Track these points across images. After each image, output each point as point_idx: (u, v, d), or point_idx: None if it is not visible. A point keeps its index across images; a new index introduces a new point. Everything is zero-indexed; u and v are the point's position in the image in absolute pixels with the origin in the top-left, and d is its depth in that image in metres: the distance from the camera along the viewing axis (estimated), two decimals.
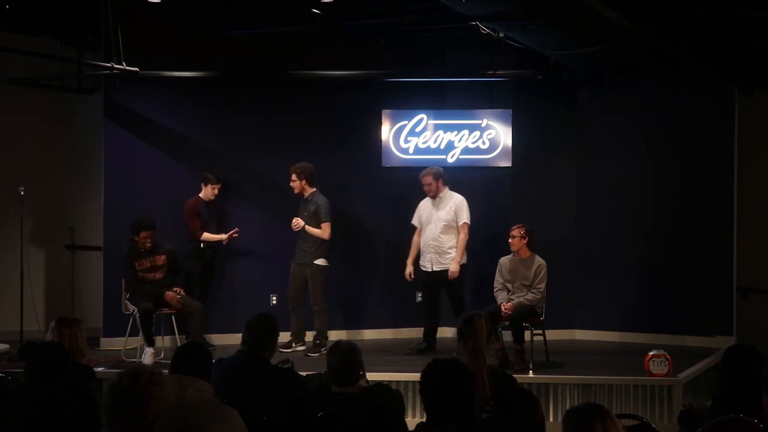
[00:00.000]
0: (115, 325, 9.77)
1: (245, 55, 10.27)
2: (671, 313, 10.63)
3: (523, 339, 8.86)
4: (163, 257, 9.43)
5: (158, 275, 9.41)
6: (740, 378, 4.89)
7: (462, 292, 9.60)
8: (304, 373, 6.33)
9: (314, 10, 9.23)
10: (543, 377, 8.55)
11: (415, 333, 10.30)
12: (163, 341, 9.52)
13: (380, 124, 10.78)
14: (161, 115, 10.41)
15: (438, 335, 9.80)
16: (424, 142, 10.79)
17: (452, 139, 10.77)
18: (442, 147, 10.78)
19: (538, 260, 9.11)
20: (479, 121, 10.77)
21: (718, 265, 10.54)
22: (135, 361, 8.80)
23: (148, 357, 8.93)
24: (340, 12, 9.42)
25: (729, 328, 10.42)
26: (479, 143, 10.77)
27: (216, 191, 9.91)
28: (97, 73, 10.04)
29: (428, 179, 9.65)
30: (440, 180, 9.68)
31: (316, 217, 9.61)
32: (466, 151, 10.76)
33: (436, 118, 10.82)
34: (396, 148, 10.79)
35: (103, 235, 10.27)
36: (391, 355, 9.62)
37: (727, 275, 10.53)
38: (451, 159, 10.68)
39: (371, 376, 5.99)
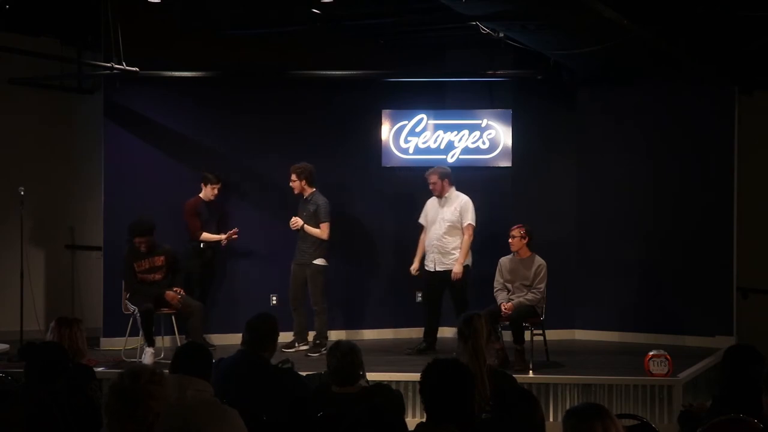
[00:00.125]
0: (115, 325, 9.77)
1: (245, 55, 10.27)
2: (671, 313, 10.63)
3: (523, 339, 8.86)
4: (162, 258, 9.43)
5: (157, 276, 9.41)
6: (740, 378, 4.89)
7: (465, 294, 9.58)
8: (304, 373, 6.33)
9: (314, 10, 9.23)
10: (543, 377, 8.55)
11: (415, 333, 10.30)
12: (163, 341, 9.52)
13: (380, 124, 10.78)
14: (161, 115, 10.41)
15: (438, 335, 9.80)
16: (424, 142, 10.79)
17: (452, 139, 10.77)
18: (442, 147, 10.78)
19: (538, 260, 9.11)
20: (479, 121, 10.77)
21: (718, 265, 10.54)
22: (135, 361, 8.80)
23: (148, 357, 8.92)
24: (340, 12, 9.41)
25: (729, 328, 10.42)
26: (479, 143, 10.77)
27: (216, 191, 9.91)
28: (97, 73, 10.04)
29: (433, 178, 9.65)
30: (446, 180, 9.67)
31: (315, 217, 9.61)
32: (466, 151, 10.77)
33: (436, 118, 10.82)
34: (396, 148, 10.79)
35: (103, 235, 10.27)
36: (391, 355, 9.62)
37: (727, 275, 10.53)
38: (451, 159, 10.67)
39: (371, 376, 5.99)
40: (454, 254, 9.54)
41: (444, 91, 11.03)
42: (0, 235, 10.52)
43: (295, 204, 9.81)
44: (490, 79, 10.70)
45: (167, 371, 4.69)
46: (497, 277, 9.23)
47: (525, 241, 9.14)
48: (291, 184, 9.65)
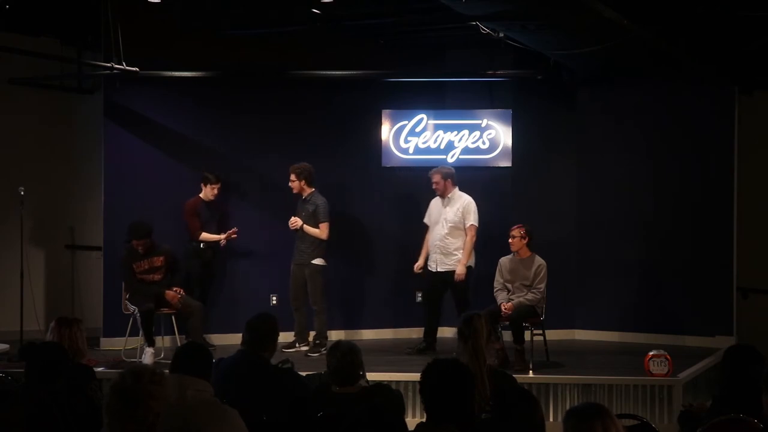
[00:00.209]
0: (115, 325, 9.77)
1: (245, 55, 10.27)
2: (671, 313, 10.63)
3: (523, 339, 8.86)
4: (161, 258, 9.42)
5: (156, 276, 9.40)
6: (740, 378, 4.89)
7: (467, 294, 9.57)
8: (304, 373, 6.33)
9: (314, 10, 9.23)
10: (543, 377, 8.55)
11: (415, 333, 10.30)
12: (163, 341, 9.52)
13: (380, 124, 10.79)
14: (161, 115, 10.41)
15: (438, 335, 9.79)
16: (424, 142, 10.79)
17: (452, 139, 10.77)
18: (442, 147, 10.78)
19: (538, 260, 9.11)
20: (479, 121, 10.77)
21: (718, 265, 10.54)
22: (135, 361, 8.80)
23: (148, 357, 8.92)
24: (340, 12, 9.42)
25: (729, 328, 10.42)
26: (479, 143, 10.77)
27: (215, 191, 9.90)
28: (97, 73, 10.04)
29: (436, 177, 9.64)
30: (449, 180, 9.66)
31: (314, 217, 9.61)
32: (466, 151, 10.76)
33: (436, 118, 10.82)
34: (396, 148, 10.79)
35: (103, 235, 10.27)
36: (391, 355, 9.62)
37: (727, 275, 10.53)
38: (451, 159, 10.67)
39: (371, 376, 5.99)
40: (456, 255, 9.54)
41: (444, 91, 11.03)
42: (0, 235, 10.52)
43: (295, 204, 9.81)
44: (490, 79, 10.70)
45: (167, 371, 4.69)
46: (497, 277, 9.23)
47: (525, 241, 9.14)
48: (290, 184, 9.65)
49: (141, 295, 9.22)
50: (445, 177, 9.64)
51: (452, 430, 3.77)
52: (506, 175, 10.87)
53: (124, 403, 3.55)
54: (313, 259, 9.63)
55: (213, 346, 9.15)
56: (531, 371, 8.66)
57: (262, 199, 10.60)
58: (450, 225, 9.58)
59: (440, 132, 10.79)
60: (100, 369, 8.10)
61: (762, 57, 9.92)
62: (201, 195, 9.91)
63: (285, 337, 8.80)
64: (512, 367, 8.51)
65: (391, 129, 10.78)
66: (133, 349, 9.26)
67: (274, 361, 5.85)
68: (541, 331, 9.05)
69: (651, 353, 8.51)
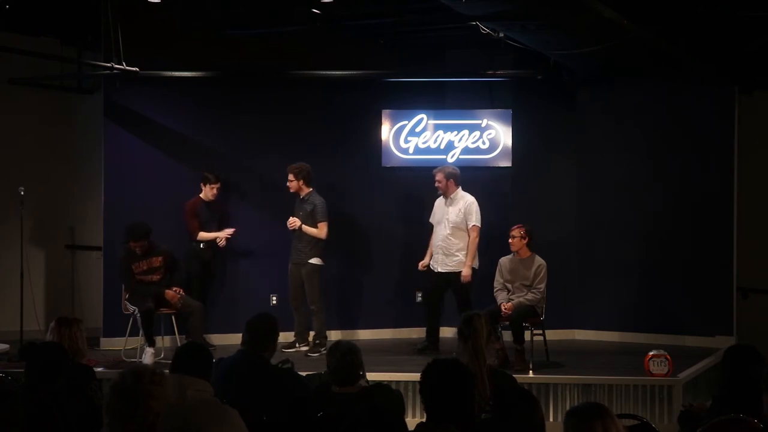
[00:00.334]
0: (115, 325, 9.77)
1: (245, 55, 10.27)
2: (671, 313, 10.63)
3: (523, 339, 8.86)
4: (160, 258, 9.41)
5: (156, 277, 9.39)
6: (740, 378, 4.89)
7: (469, 295, 9.55)
8: (304, 373, 6.33)
9: (314, 10, 9.23)
10: (543, 377, 8.55)
11: (415, 333, 10.30)
12: (163, 341, 9.52)
13: (380, 124, 10.79)
14: (161, 115, 10.41)
15: (439, 335, 9.79)
16: (424, 142, 10.79)
17: (452, 139, 10.77)
18: (442, 147, 10.78)
19: (538, 260, 9.11)
20: (479, 121, 10.77)
21: (718, 265, 10.54)
22: (135, 361, 8.80)
23: (148, 357, 8.92)
24: (340, 12, 9.41)
25: (729, 328, 10.42)
26: (479, 143, 10.77)
27: (215, 191, 9.90)
28: (97, 73, 10.04)
29: (439, 176, 9.63)
30: (452, 180, 9.64)
31: (312, 216, 9.60)
32: (466, 151, 10.76)
33: (436, 118, 10.82)
34: (396, 148, 10.79)
35: (103, 235, 10.27)
36: (391, 355, 9.62)
37: (727, 275, 10.53)
38: (451, 159, 10.66)
39: (371, 376, 5.99)
40: (458, 256, 9.53)
41: (444, 91, 11.03)
42: (0, 235, 10.52)
43: (294, 204, 9.81)
44: (490, 79, 10.70)
45: (167, 371, 4.69)
46: (497, 277, 9.23)
47: (525, 241, 9.14)
48: (288, 183, 9.64)
49: (141, 295, 9.22)
50: (447, 176, 9.63)
51: (452, 430, 3.77)
52: (506, 175, 10.87)
53: (124, 403, 3.55)
54: (310, 258, 9.62)
55: (213, 346, 9.14)
56: (531, 371, 8.66)
57: (262, 199, 10.59)
58: (452, 225, 9.58)
59: (440, 132, 10.79)
60: (100, 369, 8.10)
61: (762, 57, 9.92)
62: (201, 195, 9.91)
63: (285, 337, 8.80)
64: (512, 367, 8.52)
65: (391, 129, 10.78)
66: (133, 349, 9.26)
67: (274, 361, 5.85)
68: (541, 331, 9.05)
69: (651, 353, 8.51)
